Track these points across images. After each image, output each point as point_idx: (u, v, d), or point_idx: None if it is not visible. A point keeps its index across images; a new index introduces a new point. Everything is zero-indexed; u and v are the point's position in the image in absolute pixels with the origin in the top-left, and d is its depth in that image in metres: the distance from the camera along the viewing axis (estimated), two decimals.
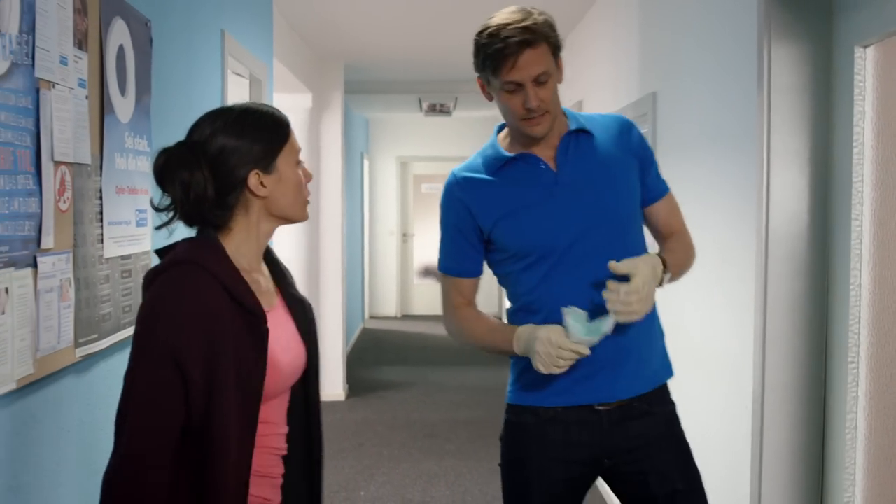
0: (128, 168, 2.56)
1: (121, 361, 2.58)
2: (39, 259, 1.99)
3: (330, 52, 7.60)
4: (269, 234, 1.95)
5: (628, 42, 4.72)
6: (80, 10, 2.22)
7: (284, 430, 1.97)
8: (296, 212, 1.94)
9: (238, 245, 1.88)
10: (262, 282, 1.93)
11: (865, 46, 2.54)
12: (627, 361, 2.32)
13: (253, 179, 1.85)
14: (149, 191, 2.76)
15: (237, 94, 4.51)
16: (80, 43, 2.23)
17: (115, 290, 2.48)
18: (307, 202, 1.97)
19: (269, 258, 2.03)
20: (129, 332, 2.59)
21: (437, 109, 10.45)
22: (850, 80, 2.58)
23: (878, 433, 2.51)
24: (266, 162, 1.86)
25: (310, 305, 2.04)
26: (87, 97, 2.27)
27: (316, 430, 2.04)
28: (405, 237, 14.05)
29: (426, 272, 14.16)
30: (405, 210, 14.07)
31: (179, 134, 3.17)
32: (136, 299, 2.65)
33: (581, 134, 2.33)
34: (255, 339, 1.77)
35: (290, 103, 7.26)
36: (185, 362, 1.70)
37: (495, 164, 2.36)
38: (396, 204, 13.86)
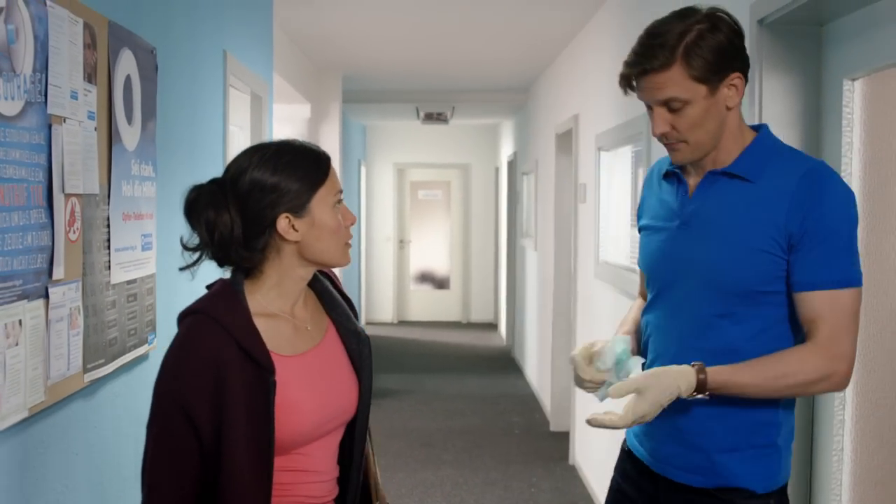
0: (134, 195, 2.62)
1: (125, 383, 2.65)
2: (51, 290, 2.06)
3: (328, 63, 7.67)
4: (305, 278, 1.87)
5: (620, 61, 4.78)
6: (90, 45, 2.29)
7: (331, 476, 1.90)
8: (332, 257, 1.85)
9: (269, 290, 1.84)
10: (300, 322, 1.88)
11: (854, 79, 2.61)
12: (673, 438, 2.08)
13: (283, 223, 1.79)
14: (153, 215, 2.82)
15: (237, 109, 4.58)
16: (90, 76, 2.29)
17: (121, 314, 2.54)
18: (347, 245, 1.87)
19: (320, 287, 1.97)
20: (134, 354, 2.66)
21: (435, 117, 10.52)
22: (838, 112, 2.65)
23: (863, 455, 2.58)
24: (298, 204, 1.79)
25: (366, 338, 1.96)
26: (95, 128, 2.33)
27: (356, 471, 1.94)
28: (402, 243, 14.11)
29: (423, 278, 14.23)
30: (402, 216, 14.13)
31: (183, 156, 3.26)
32: (141, 322, 2.71)
33: (732, 177, 2.02)
34: (263, 391, 1.74)
35: (289, 114, 7.33)
36: (193, 412, 1.71)
37: (663, 170, 2.21)
38: (393, 210, 13.93)
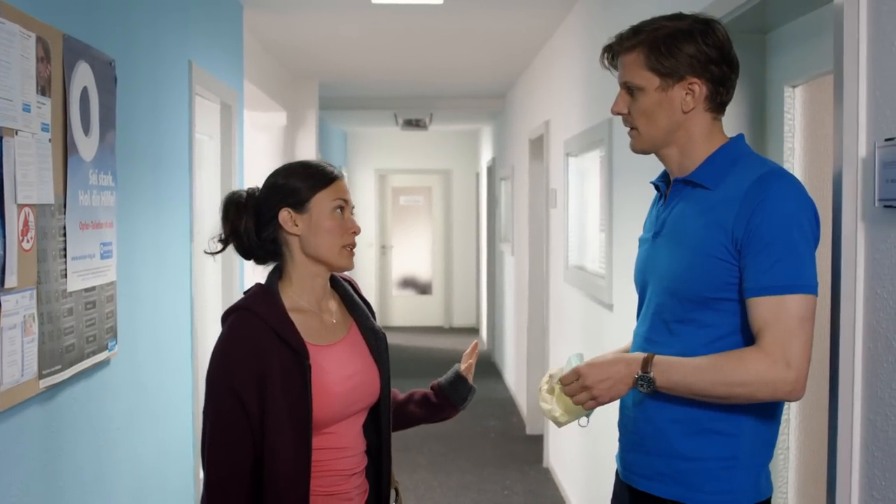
0: (91, 204, 2.67)
1: (85, 389, 2.70)
2: (3, 298, 2.10)
3: (304, 71, 7.72)
4: (318, 276, 2.18)
5: (589, 67, 4.86)
6: (44, 59, 2.34)
7: (357, 451, 2.19)
8: (329, 256, 2.15)
9: (295, 288, 2.16)
10: (326, 318, 2.19)
11: (794, 86, 2.68)
12: (636, 445, 2.08)
13: (283, 215, 2.12)
14: (113, 224, 2.87)
15: (206, 118, 4.62)
16: (44, 89, 2.34)
17: (79, 321, 2.59)
18: (346, 249, 2.16)
19: (343, 292, 2.27)
20: (93, 360, 2.70)
21: (413, 124, 10.58)
22: (780, 119, 2.72)
23: (807, 454, 2.65)
24: (298, 200, 2.12)
25: (383, 336, 2.27)
26: (50, 140, 2.38)
27: (385, 450, 2.25)
28: (384, 249, 14.17)
29: (405, 283, 14.28)
30: (384, 222, 14.19)
31: (147, 166, 3.31)
32: (101, 329, 2.76)
33: (694, 185, 2.04)
34: (300, 373, 2.04)
35: (264, 122, 7.37)
36: (242, 395, 2.02)
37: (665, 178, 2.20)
38: (375, 216, 13.98)
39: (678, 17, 2.05)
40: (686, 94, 2.01)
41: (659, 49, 1.99)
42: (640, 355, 1.97)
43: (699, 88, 2.00)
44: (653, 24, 2.04)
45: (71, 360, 2.53)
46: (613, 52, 2.09)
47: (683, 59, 1.99)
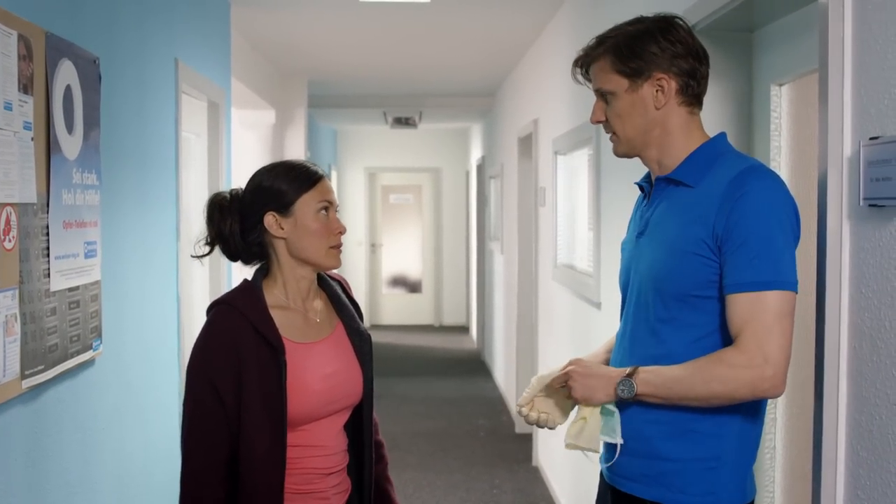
0: (75, 203, 2.65)
1: (70, 389, 2.68)
2: None
3: (293, 69, 7.70)
4: (307, 277, 2.19)
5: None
6: (26, 57, 2.32)
7: (335, 450, 2.18)
8: (314, 257, 2.15)
9: (280, 287, 2.18)
10: (311, 316, 2.20)
11: (781, 85, 2.68)
12: (622, 445, 2.04)
13: (269, 219, 2.13)
14: (98, 223, 2.86)
15: (194, 117, 4.61)
16: (26, 87, 2.32)
17: (63, 321, 2.57)
18: (333, 249, 2.16)
19: (332, 292, 2.27)
20: (77, 360, 2.68)
21: (403, 122, 10.57)
22: (767, 117, 2.71)
23: (793, 452, 2.65)
24: (283, 203, 2.12)
25: (368, 337, 2.27)
26: (32, 139, 2.36)
27: (368, 450, 2.25)
28: (374, 247, 14.15)
29: (395, 282, 14.27)
30: (374, 220, 14.18)
31: (133, 164, 3.29)
32: (85, 329, 2.74)
33: (677, 184, 2.05)
34: (276, 369, 2.06)
35: (253, 120, 7.35)
36: (219, 386, 2.05)
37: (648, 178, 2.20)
38: (365, 214, 13.96)
39: (639, 20, 2.09)
40: (656, 90, 2.03)
41: (622, 52, 2.04)
42: (624, 370, 2.00)
43: (668, 83, 2.03)
44: (615, 30, 2.09)
45: (54, 360, 2.51)
46: (583, 64, 2.14)
47: (648, 58, 2.02)
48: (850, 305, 1.88)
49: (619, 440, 2.01)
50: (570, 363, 2.09)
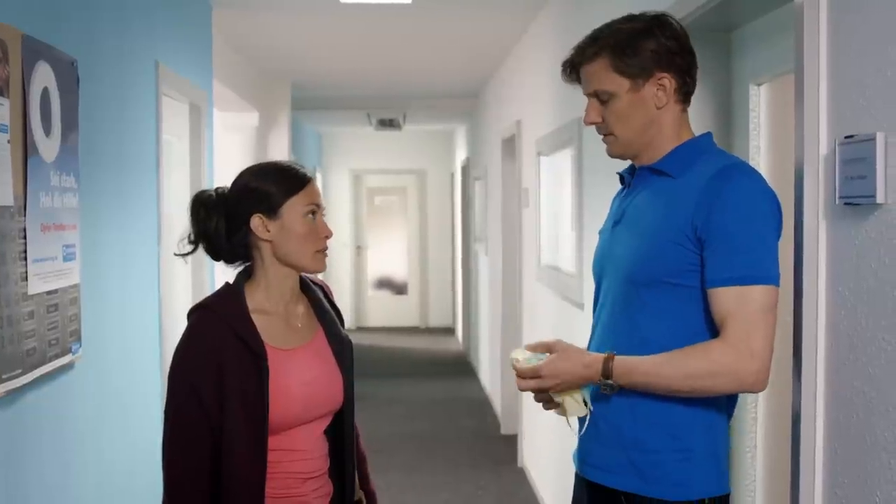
0: (53, 206, 2.64)
1: (49, 393, 2.67)
2: None
3: (276, 71, 7.69)
4: (288, 277, 2.16)
5: (560, 67, 4.84)
6: (1, 59, 2.31)
7: (315, 454, 2.16)
8: (301, 260, 2.13)
9: (263, 291, 2.14)
10: (292, 321, 2.17)
11: (759, 84, 2.68)
12: (592, 435, 2.05)
13: (255, 221, 2.09)
14: (77, 226, 2.84)
15: (175, 119, 4.59)
16: (1, 90, 2.31)
17: (41, 324, 2.55)
18: (319, 253, 2.14)
19: (314, 297, 2.24)
20: (56, 364, 2.67)
21: (387, 124, 10.56)
22: (746, 117, 2.72)
23: (773, 451, 2.66)
24: (270, 205, 2.09)
25: (349, 343, 2.24)
26: (8, 141, 2.35)
27: (349, 454, 2.22)
28: (359, 249, 14.14)
29: (380, 284, 14.26)
30: (359, 222, 14.16)
31: (112, 167, 3.28)
32: (64, 332, 2.73)
33: (659, 174, 2.05)
34: (257, 374, 2.04)
35: (236, 122, 7.33)
36: (200, 391, 2.02)
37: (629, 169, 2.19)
38: (350, 216, 13.95)
39: (630, 18, 2.05)
40: (657, 89, 2.01)
41: (623, 51, 1.99)
42: (599, 358, 1.95)
43: (669, 82, 2.01)
44: (609, 28, 2.04)
45: (32, 363, 2.50)
46: (574, 64, 2.08)
47: (648, 56, 1.99)
48: (828, 304, 1.88)
49: (588, 409, 2.01)
50: (555, 343, 2.03)
